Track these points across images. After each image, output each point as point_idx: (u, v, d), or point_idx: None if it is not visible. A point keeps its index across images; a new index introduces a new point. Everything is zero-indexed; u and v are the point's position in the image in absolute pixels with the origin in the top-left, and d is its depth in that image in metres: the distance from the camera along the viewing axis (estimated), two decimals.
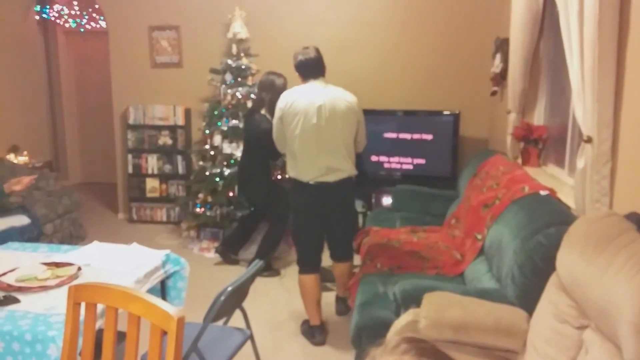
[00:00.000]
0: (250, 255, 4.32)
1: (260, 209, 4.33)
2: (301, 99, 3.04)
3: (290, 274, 4.17)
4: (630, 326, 1.45)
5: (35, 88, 6.09)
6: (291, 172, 3.18)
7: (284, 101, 3.11)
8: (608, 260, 1.65)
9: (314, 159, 3.05)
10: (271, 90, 3.90)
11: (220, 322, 2.44)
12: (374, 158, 4.83)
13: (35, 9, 6.26)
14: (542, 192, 2.55)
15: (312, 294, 3.21)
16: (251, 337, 2.45)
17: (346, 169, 3.12)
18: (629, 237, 1.70)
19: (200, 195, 4.72)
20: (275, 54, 4.70)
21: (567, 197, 2.58)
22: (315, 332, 3.23)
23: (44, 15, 6.62)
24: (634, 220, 1.83)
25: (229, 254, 4.40)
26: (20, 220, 4.12)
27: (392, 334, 2.18)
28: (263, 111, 4.03)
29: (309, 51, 3.12)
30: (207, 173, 4.67)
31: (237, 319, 2.50)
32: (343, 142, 3.08)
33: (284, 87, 3.80)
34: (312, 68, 3.10)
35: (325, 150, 3.04)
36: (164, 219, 5.55)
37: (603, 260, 1.67)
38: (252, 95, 4.56)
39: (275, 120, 3.18)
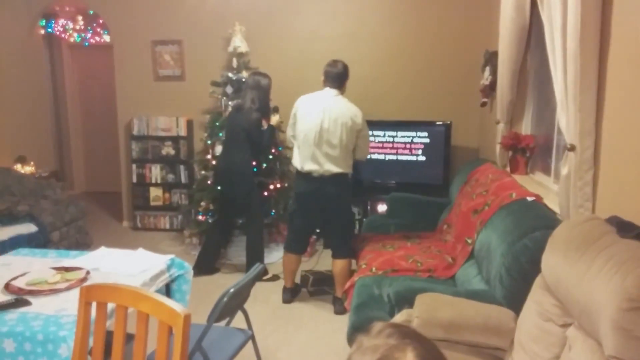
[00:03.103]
0: (241, 259, 4.42)
1: (237, 208, 4.36)
2: (313, 101, 3.56)
3: None
4: (610, 323, 1.53)
5: (41, 100, 6.21)
6: (294, 161, 3.67)
7: (302, 100, 3.63)
8: (589, 262, 1.73)
9: (312, 152, 3.50)
10: (256, 88, 4.13)
11: (223, 323, 2.54)
12: (369, 166, 4.94)
13: (40, 23, 6.40)
14: (529, 198, 2.65)
15: (291, 265, 3.83)
16: (252, 338, 2.54)
17: (339, 166, 3.51)
18: (608, 240, 1.78)
19: (203, 204, 4.83)
20: (274, 67, 4.83)
21: (553, 203, 2.67)
22: (286, 292, 3.88)
23: (49, 30, 6.75)
24: (614, 224, 1.91)
25: (204, 273, 4.35)
26: (28, 228, 4.21)
27: None
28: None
29: (335, 64, 3.61)
30: (209, 182, 4.79)
31: (239, 321, 2.60)
32: (340, 145, 3.47)
33: (268, 86, 4.17)
34: (331, 79, 3.58)
35: (322, 147, 3.48)
36: (167, 226, 5.65)
37: (584, 261, 1.75)
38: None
39: (291, 114, 3.67)
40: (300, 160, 3.59)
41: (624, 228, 1.84)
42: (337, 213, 3.67)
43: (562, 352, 1.86)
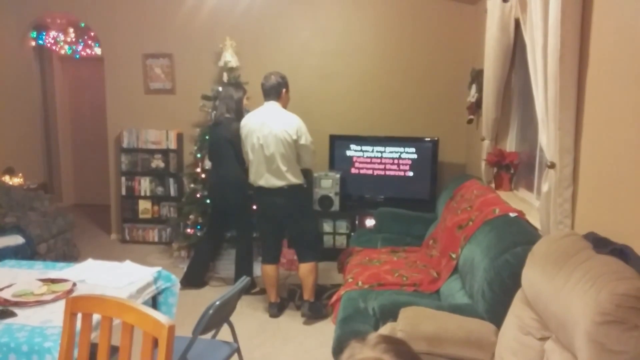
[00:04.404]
0: (230, 272, 4.44)
1: (228, 221, 4.37)
2: (255, 117, 3.65)
3: None
4: (584, 335, 1.57)
5: (30, 112, 6.20)
6: (249, 177, 3.77)
7: (244, 121, 3.74)
8: (565, 276, 1.77)
9: (258, 167, 3.64)
10: (230, 100, 4.18)
11: (209, 336, 2.55)
12: (357, 181, 5.00)
13: (31, 35, 6.42)
14: (512, 214, 2.71)
15: (269, 278, 3.86)
16: (238, 350, 2.56)
17: (283, 179, 3.61)
18: (585, 255, 1.83)
19: (191, 217, 4.84)
20: None
21: (535, 219, 2.71)
22: (272, 307, 3.90)
23: (40, 42, 6.77)
24: (590, 240, 1.97)
25: (192, 286, 4.36)
26: (15, 239, 4.19)
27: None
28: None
29: (269, 77, 3.67)
30: (198, 195, 4.81)
31: (225, 334, 2.61)
32: (281, 158, 3.56)
33: (242, 98, 4.21)
34: (266, 92, 3.67)
35: (265, 162, 3.59)
36: (156, 239, 5.64)
37: (562, 276, 1.80)
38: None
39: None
40: (252, 176, 3.72)
41: (599, 244, 1.89)
42: (294, 223, 3.77)
43: None
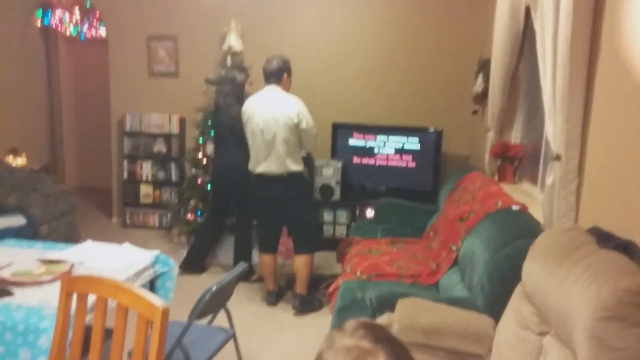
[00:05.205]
0: (228, 259, 4.43)
1: (230, 208, 4.36)
2: (256, 102, 3.57)
3: None
4: (584, 332, 1.55)
5: (35, 92, 6.20)
6: (249, 164, 3.69)
7: (245, 106, 3.65)
8: (567, 271, 1.75)
9: (258, 153, 3.57)
10: (232, 83, 4.14)
11: (205, 321, 2.55)
12: (359, 171, 4.97)
13: (37, 14, 6.39)
14: (514, 207, 2.67)
15: (267, 267, 3.84)
16: (234, 337, 2.55)
17: (283, 166, 3.53)
18: (587, 250, 1.81)
19: (192, 202, 4.83)
20: None
21: (538, 213, 2.68)
22: (270, 295, 3.89)
23: (45, 23, 6.73)
24: (594, 234, 1.94)
25: (192, 271, 4.37)
26: (17, 220, 4.19)
27: None
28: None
29: (270, 61, 3.58)
30: (199, 181, 4.79)
31: (222, 321, 2.60)
32: (279, 143, 3.48)
33: (244, 82, 4.16)
34: (267, 76, 3.58)
35: (265, 147, 3.51)
36: (157, 224, 5.64)
37: (563, 270, 1.78)
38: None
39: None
40: (252, 163, 3.64)
41: (603, 239, 1.87)
42: (292, 213, 3.69)
43: None
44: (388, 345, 0.85)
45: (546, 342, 1.87)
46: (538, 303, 1.93)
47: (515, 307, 2.09)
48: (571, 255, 1.82)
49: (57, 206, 4.74)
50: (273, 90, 3.55)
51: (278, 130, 3.46)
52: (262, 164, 3.57)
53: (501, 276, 2.30)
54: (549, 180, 2.41)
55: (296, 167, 3.60)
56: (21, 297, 2.13)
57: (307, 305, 3.78)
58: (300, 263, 3.73)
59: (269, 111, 3.48)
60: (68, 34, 6.94)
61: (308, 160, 3.86)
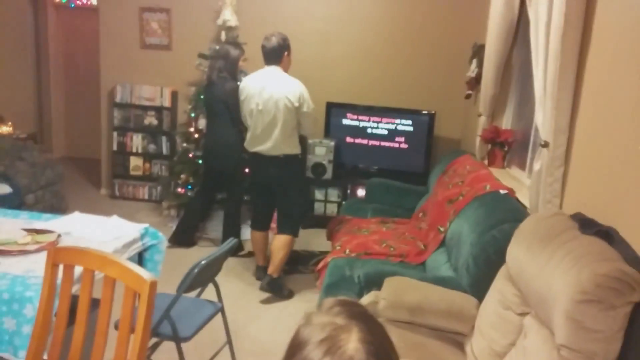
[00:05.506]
0: (219, 233, 4.44)
1: (221, 182, 4.34)
2: (254, 81, 3.49)
3: None
4: (563, 313, 1.60)
5: (23, 60, 6.09)
6: (245, 142, 3.66)
7: (243, 84, 3.58)
8: (549, 255, 1.80)
9: (255, 133, 3.51)
10: (226, 58, 4.05)
11: (194, 295, 2.57)
12: (352, 150, 4.98)
13: None
14: (502, 191, 2.71)
15: (258, 244, 3.87)
16: (222, 310, 2.58)
17: (279, 148, 3.49)
18: (570, 235, 1.86)
19: (183, 176, 4.81)
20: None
21: (525, 197, 2.73)
22: (259, 270, 3.90)
23: None
24: (577, 220, 1.98)
25: (181, 245, 4.37)
26: (2, 189, 4.15)
27: None
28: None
29: (269, 39, 3.48)
30: (190, 155, 4.77)
31: (210, 295, 2.62)
32: (277, 125, 3.43)
33: (238, 58, 4.07)
34: (266, 55, 3.48)
35: (263, 128, 3.46)
36: (146, 197, 5.63)
37: (546, 254, 1.82)
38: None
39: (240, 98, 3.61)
40: (249, 141, 3.61)
41: (585, 225, 1.90)
42: (283, 193, 3.66)
43: (518, 339, 1.95)
44: (362, 322, 0.85)
45: (526, 322, 1.92)
46: (521, 285, 1.97)
47: (499, 288, 2.14)
48: (554, 240, 1.86)
49: (44, 175, 4.69)
50: (274, 71, 3.47)
51: (278, 112, 3.40)
52: (259, 145, 3.52)
53: (486, 258, 2.34)
54: (536, 167, 2.44)
55: (292, 150, 3.56)
56: (6, 266, 2.11)
57: (275, 288, 3.66)
58: (279, 244, 3.63)
59: (269, 93, 3.41)
60: (57, 0, 6.79)
61: (301, 139, 3.83)
